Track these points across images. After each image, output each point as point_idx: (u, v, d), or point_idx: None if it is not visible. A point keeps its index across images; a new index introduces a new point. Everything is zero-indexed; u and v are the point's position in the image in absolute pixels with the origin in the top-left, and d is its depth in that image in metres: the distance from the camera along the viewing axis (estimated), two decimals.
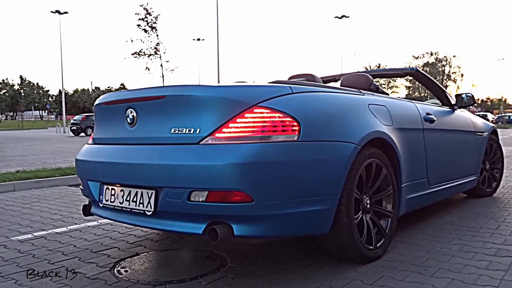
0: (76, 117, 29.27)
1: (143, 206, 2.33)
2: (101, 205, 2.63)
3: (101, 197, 2.62)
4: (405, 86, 71.33)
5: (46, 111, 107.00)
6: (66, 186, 6.24)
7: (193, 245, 3.09)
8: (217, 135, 2.19)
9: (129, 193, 2.43)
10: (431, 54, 73.88)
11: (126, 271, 2.58)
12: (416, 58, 74.27)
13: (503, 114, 52.72)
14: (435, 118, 3.54)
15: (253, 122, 2.19)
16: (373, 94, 3.10)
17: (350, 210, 2.44)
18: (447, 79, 73.29)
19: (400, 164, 2.89)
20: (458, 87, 73.19)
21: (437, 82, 4.24)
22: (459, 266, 2.51)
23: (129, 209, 2.42)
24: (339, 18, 40.91)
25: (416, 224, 3.51)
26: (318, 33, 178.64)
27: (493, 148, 4.81)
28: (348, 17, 41.12)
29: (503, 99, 71.88)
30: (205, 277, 2.42)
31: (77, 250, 3.04)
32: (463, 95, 4.25)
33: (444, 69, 73.28)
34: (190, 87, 2.34)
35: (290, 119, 2.24)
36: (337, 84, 3.53)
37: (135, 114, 2.52)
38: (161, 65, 16.49)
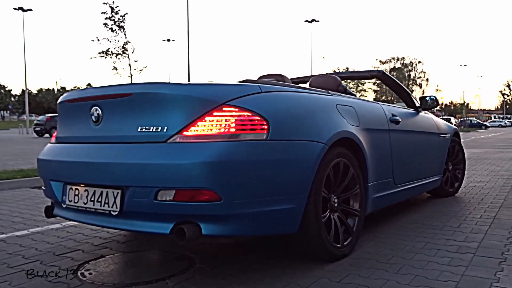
0: (40, 117, 28.39)
1: (108, 206, 2.27)
2: (64, 206, 2.54)
3: (64, 197, 2.54)
4: (373, 90, 72.83)
5: (8, 112, 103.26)
6: (28, 188, 6.04)
7: (161, 246, 3.04)
8: (185, 133, 2.16)
9: (94, 193, 2.36)
10: (398, 59, 75.84)
11: (90, 273, 2.51)
12: (383, 63, 76.09)
13: (465, 118, 54.65)
14: (400, 120, 3.60)
15: (222, 120, 2.17)
16: (341, 95, 3.14)
17: (318, 209, 2.46)
18: (413, 84, 75.39)
19: (367, 163, 2.93)
20: (423, 92, 75.38)
21: (402, 85, 4.37)
22: (423, 263, 2.57)
23: (93, 210, 2.34)
24: (309, 22, 41.40)
25: (381, 223, 3.58)
26: (289, 36, 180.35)
27: (455, 149, 4.97)
28: (318, 21, 41.67)
29: (466, 104, 74.57)
30: (173, 278, 2.39)
31: (39, 253, 2.94)
32: (427, 98, 4.35)
33: (410, 74, 75.35)
34: (158, 85, 2.31)
35: (259, 118, 2.23)
36: (306, 85, 3.57)
37: (100, 112, 2.45)
38: (129, 65, 16.18)
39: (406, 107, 4.26)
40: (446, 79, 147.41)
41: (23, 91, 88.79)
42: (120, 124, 2.37)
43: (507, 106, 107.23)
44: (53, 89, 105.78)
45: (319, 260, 2.60)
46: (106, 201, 2.28)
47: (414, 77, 75.64)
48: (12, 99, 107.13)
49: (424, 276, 2.35)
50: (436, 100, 4.38)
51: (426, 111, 4.49)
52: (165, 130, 2.20)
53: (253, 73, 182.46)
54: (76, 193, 2.45)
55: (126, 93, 2.35)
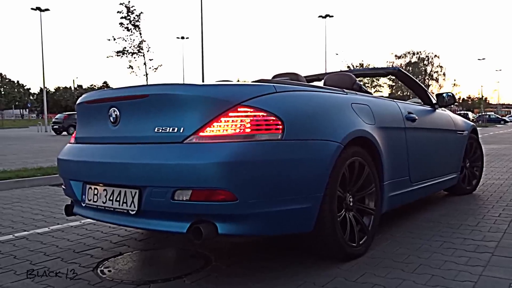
0: (58, 115, 28.80)
1: (127, 206, 2.31)
2: (83, 204, 2.60)
3: (83, 196, 2.59)
4: (388, 85, 72.08)
5: (27, 110, 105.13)
6: (48, 186, 6.16)
7: (177, 244, 3.08)
8: (201, 134, 2.18)
9: (112, 193, 2.40)
10: (414, 53, 74.79)
11: (109, 271, 2.57)
12: (399, 57, 75.08)
13: (483, 113, 53.72)
14: (416, 117, 3.58)
15: (237, 121, 2.19)
16: (356, 93, 3.12)
17: (333, 208, 2.46)
18: (429, 79, 74.29)
19: (382, 162, 2.92)
20: (440, 86, 74.29)
21: (419, 82, 4.31)
22: (440, 263, 2.56)
23: (112, 209, 2.39)
24: (323, 17, 41.15)
25: (397, 222, 3.57)
26: (302, 32, 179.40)
27: (473, 146, 4.90)
28: (332, 16, 41.41)
29: (484, 98, 73.24)
30: (190, 276, 2.42)
31: (60, 250, 3.01)
32: (444, 95, 4.29)
33: (426, 69, 74.28)
34: (174, 86, 2.34)
35: (274, 118, 2.24)
36: (321, 83, 3.56)
37: (118, 113, 2.49)
38: (144, 64, 16.34)
39: (422, 104, 4.22)
40: (464, 73, 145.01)
41: (41, 89, 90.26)
42: (137, 124, 2.40)
43: None
44: (70, 87, 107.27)
45: (334, 260, 2.61)
46: (125, 201, 2.33)
47: (431, 71, 74.50)
48: (31, 97, 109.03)
49: (441, 276, 2.34)
50: (453, 96, 4.29)
51: (443, 108, 4.43)
52: (181, 131, 2.22)
53: (266, 70, 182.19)
54: (95, 192, 2.50)
55: (143, 94, 2.38)
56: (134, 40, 16.67)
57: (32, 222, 3.89)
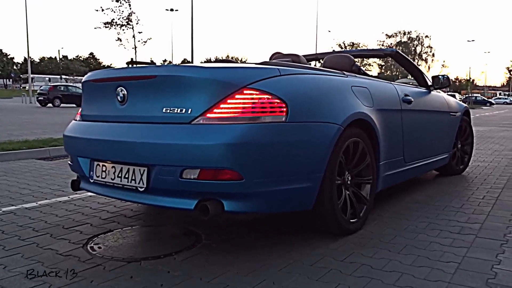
0: (43, 87, 28.18)
1: (135, 183, 2.38)
2: (91, 180, 2.65)
3: (91, 173, 2.64)
4: (378, 64, 72.11)
5: (11, 80, 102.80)
6: (34, 159, 6.09)
7: (168, 221, 3.10)
8: (208, 115, 2.24)
9: (121, 170, 2.46)
10: (404, 33, 74.64)
11: (99, 247, 2.57)
12: (390, 36, 74.92)
13: (470, 95, 54.20)
14: (412, 99, 3.67)
15: (243, 103, 2.24)
16: (356, 76, 3.18)
17: (332, 187, 2.56)
18: (419, 59, 74.45)
19: (379, 144, 3.02)
20: (429, 67, 74.57)
21: (415, 64, 4.38)
22: (425, 243, 2.62)
23: (121, 185, 2.46)
24: None
25: (385, 203, 3.63)
26: (294, 7, 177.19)
27: (464, 127, 5.02)
28: None
29: (471, 80, 73.81)
30: (180, 254, 2.45)
31: (48, 226, 3.00)
32: (440, 77, 4.35)
33: (416, 49, 74.32)
34: (182, 68, 2.39)
35: (278, 101, 2.31)
36: (320, 63, 3.58)
37: (125, 93, 2.52)
38: (133, 36, 16.01)
39: (417, 86, 4.29)
40: (453, 54, 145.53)
41: (25, 59, 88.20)
42: (145, 104, 2.44)
43: None
44: (56, 57, 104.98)
45: (323, 239, 2.66)
46: (133, 178, 2.39)
47: (420, 52, 74.64)
48: (15, 67, 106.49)
49: (426, 257, 2.40)
50: (448, 79, 4.37)
51: (438, 90, 4.51)
52: (189, 112, 2.27)
53: (257, 45, 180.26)
54: (104, 169, 2.56)
55: (150, 75, 2.40)
56: (123, 11, 16.29)
57: (19, 196, 3.86)
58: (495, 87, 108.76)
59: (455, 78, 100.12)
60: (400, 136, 3.40)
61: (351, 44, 67.14)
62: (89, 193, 3.76)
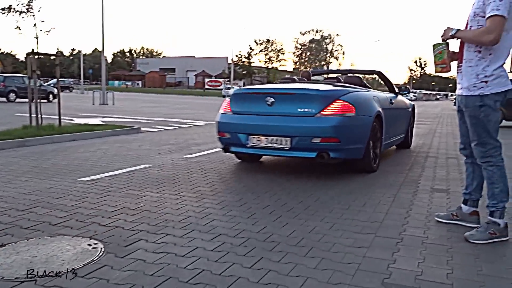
0: None
1: (282, 145, 4.62)
2: (248, 146, 4.80)
3: (247, 142, 4.79)
4: (293, 60, 74.55)
5: None
6: None
7: (68, 233, 2.90)
8: (322, 112, 4.59)
9: (272, 139, 4.65)
10: (317, 31, 77.72)
11: None
12: (303, 34, 77.56)
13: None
14: (393, 101, 6.29)
15: (337, 106, 4.63)
16: (371, 90, 5.87)
17: (369, 147, 4.96)
18: (331, 56, 78.03)
19: (382, 126, 5.44)
20: (340, 64, 78.48)
21: (390, 80, 7.24)
22: (329, 245, 2.74)
23: (271, 147, 4.68)
24: None
25: (291, 204, 3.74)
26: (209, 2, 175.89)
27: (412, 117, 7.79)
28: None
29: (377, 79, 79.04)
30: (81, 269, 2.30)
31: None
32: (402, 87, 7.29)
33: (328, 47, 77.78)
34: (309, 89, 4.80)
35: (351, 106, 4.70)
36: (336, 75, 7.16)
37: (273, 100, 4.75)
38: (34, 25, 14.75)
39: (390, 92, 6.96)
40: (361, 53, 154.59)
41: None
42: (286, 106, 4.70)
43: (414, 81, 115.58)
44: None
45: (367, 172, 5.16)
46: (281, 143, 4.63)
47: (332, 49, 78.23)
48: None
49: (330, 259, 2.51)
50: (407, 88, 7.26)
51: (400, 94, 7.14)
52: (312, 111, 4.60)
53: (167, 39, 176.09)
54: (258, 139, 4.74)
55: (291, 92, 4.81)
56: None
57: None
58: (397, 84, 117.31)
59: (362, 77, 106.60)
60: (388, 122, 5.73)
61: (267, 40, 68.44)
62: None
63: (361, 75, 7.02)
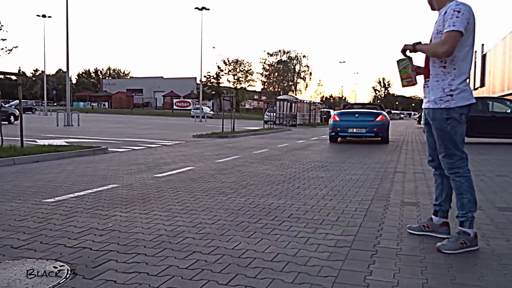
0: None
1: (362, 132, 13.03)
2: (347, 132, 12.99)
3: (347, 130, 12.97)
4: (261, 80, 75.44)
5: None
6: None
7: (31, 255, 2.75)
8: (376, 119, 13.04)
9: (358, 130, 12.96)
10: (284, 52, 79.06)
11: None
12: (271, 55, 78.70)
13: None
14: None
15: (381, 117, 13.20)
16: (385, 110, 15.43)
17: (388, 133, 13.84)
18: (298, 77, 79.36)
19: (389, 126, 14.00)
20: (307, 85, 79.89)
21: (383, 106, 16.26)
22: (305, 259, 2.71)
23: (358, 132, 12.99)
24: (199, 9, 40.92)
25: (265, 219, 3.70)
26: (179, 23, 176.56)
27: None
28: (209, 9, 41.34)
29: (344, 98, 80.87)
30: None
31: None
32: (386, 110, 15.51)
33: (295, 67, 79.15)
34: (372, 111, 13.54)
35: (385, 117, 13.47)
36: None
37: (358, 115, 13.27)
38: None
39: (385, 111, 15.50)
40: (327, 74, 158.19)
41: None
42: (363, 117, 13.17)
43: (378, 101, 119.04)
44: None
45: (387, 144, 13.13)
46: (362, 131, 12.92)
47: (299, 70, 79.64)
48: None
49: (307, 273, 2.48)
50: (389, 110, 14.68)
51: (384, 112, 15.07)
52: (373, 118, 13.12)
53: (138, 59, 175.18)
54: (353, 129, 12.90)
55: (365, 112, 13.56)
56: None
57: None
58: (363, 103, 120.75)
59: (329, 96, 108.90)
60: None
61: (236, 60, 69.06)
62: None
63: (375, 105, 16.72)
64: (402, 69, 3.17)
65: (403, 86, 3.24)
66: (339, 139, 13.77)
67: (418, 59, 3.21)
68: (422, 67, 3.18)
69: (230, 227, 3.44)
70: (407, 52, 3.17)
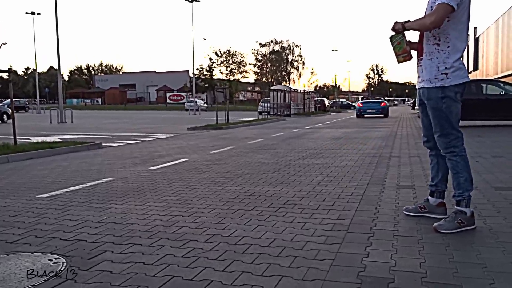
0: None
1: (375, 113, 26.53)
2: (367, 112, 26.33)
3: (368, 111, 26.59)
4: (254, 71, 75.39)
5: None
6: None
7: (26, 249, 2.72)
8: (381, 105, 27.00)
9: (372, 111, 26.45)
10: (277, 42, 78.72)
11: None
12: (263, 45, 78.34)
13: (337, 100, 59.20)
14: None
15: (384, 103, 27.94)
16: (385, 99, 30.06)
17: (388, 112, 28.02)
18: (291, 67, 79.14)
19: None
20: (300, 74, 79.74)
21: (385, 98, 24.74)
22: (302, 244, 2.70)
23: (372, 113, 26.46)
24: (190, 1, 40.56)
25: (263, 208, 3.68)
26: (169, 15, 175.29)
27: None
28: (199, 1, 40.99)
29: (337, 86, 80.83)
30: (42, 285, 2.15)
31: None
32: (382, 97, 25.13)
33: (288, 57, 78.89)
34: (379, 100, 29.35)
35: (385, 103, 28.25)
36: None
37: (371, 103, 28.13)
38: None
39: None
40: (320, 63, 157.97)
41: None
42: (374, 105, 27.33)
43: (372, 88, 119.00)
44: None
45: (386, 117, 23.58)
46: (376, 112, 26.31)
47: (292, 60, 79.38)
48: None
49: (303, 257, 2.46)
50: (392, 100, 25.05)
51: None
52: (381, 104, 27.18)
53: (128, 52, 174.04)
54: (369, 110, 26.53)
55: (375, 101, 28.90)
56: None
57: None
58: (357, 92, 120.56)
59: (323, 85, 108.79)
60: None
61: (228, 51, 68.72)
62: None
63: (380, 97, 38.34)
64: (397, 45, 3.13)
65: (399, 62, 3.19)
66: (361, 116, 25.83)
67: (411, 37, 3.24)
68: (416, 42, 3.14)
69: (226, 215, 3.42)
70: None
